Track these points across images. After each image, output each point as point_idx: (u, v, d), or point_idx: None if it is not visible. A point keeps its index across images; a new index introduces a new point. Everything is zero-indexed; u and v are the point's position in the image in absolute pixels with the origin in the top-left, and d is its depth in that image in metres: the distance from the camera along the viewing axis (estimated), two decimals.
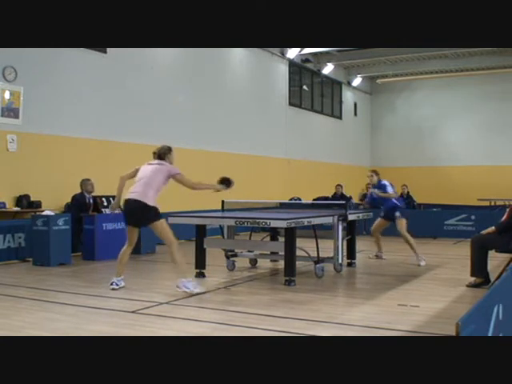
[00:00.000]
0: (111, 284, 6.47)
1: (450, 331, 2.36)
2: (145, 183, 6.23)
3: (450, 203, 16.68)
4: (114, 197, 9.76)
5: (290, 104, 17.57)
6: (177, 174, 6.40)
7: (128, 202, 6.29)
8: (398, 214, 8.95)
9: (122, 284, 6.54)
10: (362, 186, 15.46)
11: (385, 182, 9.21)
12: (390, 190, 9.09)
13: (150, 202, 6.18)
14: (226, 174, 7.03)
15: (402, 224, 8.89)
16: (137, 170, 6.50)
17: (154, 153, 6.55)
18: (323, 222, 7.54)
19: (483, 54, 18.66)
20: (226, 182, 6.81)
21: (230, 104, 14.82)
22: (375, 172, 9.43)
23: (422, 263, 8.61)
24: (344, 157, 20.42)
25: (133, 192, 6.26)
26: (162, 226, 6.30)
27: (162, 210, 8.69)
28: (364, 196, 13.81)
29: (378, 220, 9.30)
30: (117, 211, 8.53)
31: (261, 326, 4.78)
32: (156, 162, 6.45)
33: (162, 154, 6.50)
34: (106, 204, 9.54)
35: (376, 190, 9.14)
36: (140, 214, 6.24)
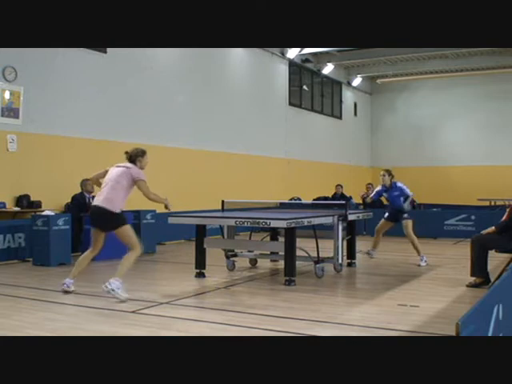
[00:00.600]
0: (63, 284, 6.24)
1: (450, 331, 2.36)
2: (110, 187, 6.08)
3: (450, 203, 16.68)
4: None
5: (290, 104, 17.57)
6: (139, 179, 6.11)
7: (93, 207, 6.18)
8: (406, 215, 8.86)
9: (73, 288, 6.28)
10: (362, 186, 15.44)
11: (400, 184, 8.96)
12: (408, 192, 8.90)
13: (115, 209, 6.02)
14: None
15: (409, 225, 8.77)
16: (106, 172, 6.32)
17: (126, 152, 6.30)
18: (323, 222, 7.54)
19: (483, 54, 18.66)
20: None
21: (230, 104, 14.82)
22: (388, 172, 9.03)
23: (423, 264, 8.59)
24: (344, 157, 20.41)
25: (99, 196, 6.15)
26: (125, 233, 6.11)
27: (161, 209, 8.68)
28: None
29: (383, 221, 9.09)
30: None
31: (261, 326, 4.78)
32: (123, 164, 6.23)
33: (134, 157, 6.25)
34: None
35: (405, 205, 8.84)
36: (103, 220, 6.11)
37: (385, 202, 10.43)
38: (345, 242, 8.13)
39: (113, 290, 5.81)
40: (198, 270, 7.40)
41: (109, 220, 6.06)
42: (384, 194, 9.09)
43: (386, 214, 9.08)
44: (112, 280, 5.88)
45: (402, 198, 8.86)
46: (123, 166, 6.18)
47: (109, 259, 9.00)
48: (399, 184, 9.00)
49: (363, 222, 11.49)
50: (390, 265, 8.74)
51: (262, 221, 6.67)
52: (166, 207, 6.48)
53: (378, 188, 9.25)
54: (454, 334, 2.10)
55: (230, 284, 7.02)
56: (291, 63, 17.44)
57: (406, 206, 8.92)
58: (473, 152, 20.59)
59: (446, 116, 21.33)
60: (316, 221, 7.18)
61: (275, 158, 16.64)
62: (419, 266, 8.53)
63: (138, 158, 6.25)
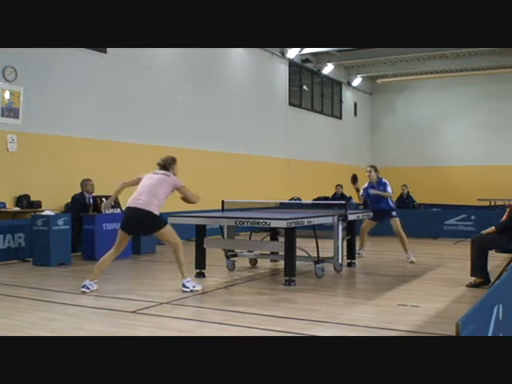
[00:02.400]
0: (82, 287, 6.30)
1: (450, 331, 2.36)
2: (150, 192, 6.23)
3: (450, 203, 16.67)
4: None
5: (290, 104, 17.57)
6: (181, 186, 6.56)
7: (132, 209, 6.25)
8: (394, 212, 8.98)
9: (95, 287, 6.39)
10: (362, 186, 15.45)
11: (385, 180, 9.13)
12: (389, 189, 9.04)
13: (155, 211, 6.21)
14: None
15: (397, 223, 8.91)
16: (139, 180, 6.52)
17: (159, 164, 6.57)
18: (323, 222, 7.54)
19: (483, 54, 18.66)
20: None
21: (230, 104, 14.82)
22: (374, 168, 9.20)
23: (414, 259, 8.73)
24: (344, 157, 20.41)
25: (137, 200, 6.23)
26: (169, 232, 6.40)
27: (161, 209, 8.66)
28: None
29: (366, 220, 9.16)
30: (108, 211, 8.55)
31: (261, 326, 4.78)
32: (161, 172, 6.48)
33: (167, 165, 6.53)
34: None
35: (373, 190, 9.00)
36: (146, 222, 6.28)
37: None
38: (345, 242, 8.13)
39: (193, 289, 6.29)
40: (198, 270, 7.40)
41: (151, 221, 6.26)
42: (370, 191, 9.08)
43: (371, 214, 9.01)
44: (184, 282, 6.35)
45: (389, 188, 9.01)
46: (162, 174, 6.46)
47: None
48: (384, 180, 9.13)
49: (363, 222, 11.47)
50: (390, 265, 8.73)
51: (262, 221, 6.67)
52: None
53: (365, 185, 9.29)
54: (454, 334, 2.10)
55: (229, 284, 7.02)
56: (291, 63, 17.44)
57: (390, 190, 9.02)
58: (473, 152, 20.59)
59: (446, 116, 21.33)
60: (316, 221, 7.18)
61: (275, 157, 16.64)
62: (412, 262, 8.61)
63: (171, 166, 6.58)
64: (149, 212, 6.15)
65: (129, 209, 6.32)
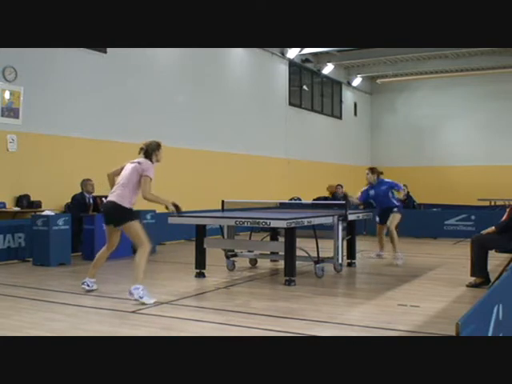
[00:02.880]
0: (83, 284, 6.34)
1: (450, 331, 2.36)
2: (122, 184, 6.07)
3: (450, 203, 16.68)
4: None
5: (290, 104, 17.57)
6: (145, 175, 6.05)
7: (105, 203, 6.33)
8: (396, 209, 8.88)
9: (95, 287, 6.39)
10: (362, 186, 15.45)
11: (388, 180, 9.05)
12: (401, 187, 9.06)
13: (125, 204, 5.98)
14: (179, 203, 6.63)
15: (395, 219, 8.82)
16: (122, 168, 6.29)
17: (141, 148, 6.22)
18: (323, 222, 7.54)
19: (483, 54, 18.67)
20: (176, 207, 6.55)
21: (230, 104, 14.82)
22: (371, 170, 9.19)
23: (400, 262, 8.64)
24: (344, 157, 20.42)
25: (112, 192, 6.16)
26: (134, 229, 6.02)
27: (161, 209, 8.63)
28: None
29: (378, 226, 9.19)
30: None
31: (261, 326, 4.78)
32: (137, 160, 6.17)
33: (150, 150, 6.18)
34: None
35: (398, 195, 8.98)
36: (112, 213, 6.09)
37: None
38: (345, 242, 8.12)
39: (139, 299, 5.67)
40: (197, 270, 7.40)
41: (117, 213, 6.01)
42: (370, 192, 9.02)
43: (377, 219, 9.12)
44: (132, 289, 5.74)
45: (390, 193, 8.90)
46: (136, 162, 6.12)
47: (109, 259, 9.01)
48: (388, 180, 9.07)
49: (363, 222, 11.48)
50: (390, 265, 8.73)
51: (262, 221, 6.67)
52: (167, 208, 6.43)
53: (364, 188, 9.24)
54: (454, 334, 2.10)
55: (230, 284, 7.02)
56: (291, 63, 17.44)
57: (402, 188, 9.04)
58: (473, 152, 20.59)
59: (446, 116, 21.33)
60: (316, 221, 7.19)
61: (275, 157, 16.64)
62: (397, 265, 8.55)
63: (155, 152, 6.21)
64: (115, 203, 5.97)
65: (104, 202, 6.44)
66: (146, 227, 10.05)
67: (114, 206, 6.01)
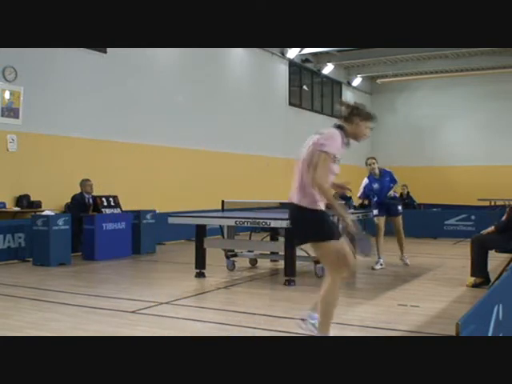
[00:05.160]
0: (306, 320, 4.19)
1: (450, 331, 2.36)
2: (300, 169, 4.15)
3: (450, 203, 16.68)
4: (113, 196, 9.80)
5: (290, 104, 17.57)
6: (320, 150, 3.95)
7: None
8: (400, 207, 8.48)
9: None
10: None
11: (388, 169, 8.57)
12: (396, 178, 8.56)
13: (311, 203, 3.95)
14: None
15: (400, 220, 8.51)
16: None
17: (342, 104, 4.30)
18: None
19: (483, 54, 18.67)
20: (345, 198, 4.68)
21: (230, 104, 14.82)
22: (376, 159, 8.49)
23: (408, 261, 8.56)
24: (344, 157, 20.34)
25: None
26: (326, 250, 3.92)
27: (161, 209, 8.59)
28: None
29: (379, 220, 8.37)
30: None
31: (261, 326, 4.78)
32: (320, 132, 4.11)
33: (349, 115, 4.13)
34: (105, 204, 9.53)
35: (392, 192, 8.46)
36: (294, 223, 4.14)
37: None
38: None
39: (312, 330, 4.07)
40: (197, 270, 7.40)
41: (301, 222, 3.98)
42: (374, 186, 8.39)
43: (376, 211, 8.37)
44: (308, 316, 4.15)
45: (391, 185, 8.45)
46: (316, 134, 4.18)
47: (109, 259, 9.02)
48: (388, 169, 8.59)
49: (363, 222, 11.46)
50: (390, 265, 8.72)
51: (261, 221, 6.68)
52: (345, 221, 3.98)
53: (365, 182, 8.58)
54: (454, 334, 2.10)
55: (230, 284, 7.02)
56: (291, 63, 17.44)
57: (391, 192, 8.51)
58: (473, 152, 20.59)
59: (446, 116, 21.33)
60: None
61: (275, 157, 16.63)
62: (407, 264, 8.49)
63: (354, 119, 4.12)
64: (297, 206, 3.96)
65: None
66: (146, 227, 10.18)
67: (296, 209, 4.01)
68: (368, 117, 4.19)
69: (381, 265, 8.35)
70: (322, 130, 4.10)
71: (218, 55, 14.20)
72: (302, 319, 4.09)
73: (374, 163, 8.40)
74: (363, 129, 4.21)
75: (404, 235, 8.63)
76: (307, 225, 3.94)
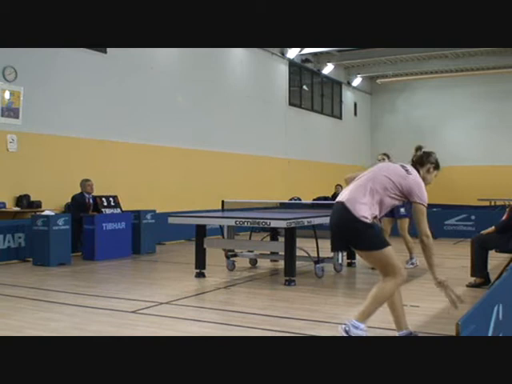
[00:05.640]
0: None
1: (450, 331, 2.36)
2: (359, 183, 4.12)
3: (450, 203, 16.67)
4: (113, 196, 9.79)
5: (290, 104, 17.57)
6: (419, 202, 4.09)
7: (335, 206, 4.18)
8: (402, 209, 8.16)
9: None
10: None
11: None
12: None
13: (361, 214, 3.92)
14: None
15: (404, 223, 8.35)
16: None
17: (418, 150, 4.65)
18: (323, 222, 7.53)
19: (483, 54, 18.68)
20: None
21: (230, 104, 14.83)
22: (387, 155, 8.09)
23: (411, 266, 8.21)
24: (344, 157, 20.41)
25: (342, 193, 4.19)
26: (380, 257, 4.11)
27: (161, 209, 8.58)
28: None
29: (384, 221, 8.12)
30: None
31: (261, 326, 4.78)
32: (401, 164, 4.45)
33: (422, 159, 4.48)
34: (105, 204, 9.53)
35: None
36: (343, 227, 4.07)
37: None
38: None
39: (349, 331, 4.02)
40: (197, 270, 7.40)
41: (351, 229, 3.97)
42: None
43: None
44: (351, 324, 4.04)
45: None
46: (401, 166, 4.32)
47: (109, 259, 9.03)
48: None
49: None
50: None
51: (261, 221, 6.67)
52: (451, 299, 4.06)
53: None
54: (454, 334, 2.10)
55: (230, 284, 7.02)
56: (291, 63, 17.45)
57: None
58: (473, 152, 20.59)
59: (446, 116, 21.34)
60: (316, 221, 7.18)
61: (275, 157, 16.64)
62: (416, 266, 8.32)
63: (428, 166, 4.47)
64: (348, 211, 3.93)
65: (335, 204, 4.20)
66: (146, 227, 10.19)
67: (346, 213, 3.96)
68: (439, 166, 4.57)
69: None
70: (405, 166, 4.32)
71: (217, 55, 14.20)
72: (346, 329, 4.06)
73: (382, 159, 8.15)
74: (433, 176, 4.51)
75: (409, 238, 8.38)
76: (357, 233, 4.01)
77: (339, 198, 4.10)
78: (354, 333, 4.01)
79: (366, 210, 3.93)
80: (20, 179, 9.67)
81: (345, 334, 4.00)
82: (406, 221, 8.42)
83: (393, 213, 8.27)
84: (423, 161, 4.42)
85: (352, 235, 4.01)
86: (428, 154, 4.47)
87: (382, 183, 4.04)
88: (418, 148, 4.61)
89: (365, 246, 4.02)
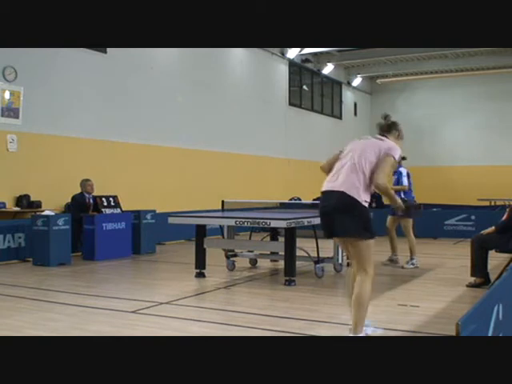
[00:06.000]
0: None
1: (450, 331, 2.36)
2: (350, 166, 4.15)
3: (450, 203, 16.67)
4: (113, 196, 9.79)
5: (290, 104, 17.57)
6: (389, 154, 4.13)
7: (326, 195, 4.24)
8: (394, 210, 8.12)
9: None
10: None
11: (402, 169, 8.30)
12: (405, 181, 8.25)
13: (361, 198, 4.04)
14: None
15: (407, 223, 8.34)
16: (339, 154, 4.38)
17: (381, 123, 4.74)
18: None
19: (483, 54, 18.68)
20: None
21: (230, 104, 14.83)
22: None
23: (411, 267, 8.24)
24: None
25: (329, 181, 4.25)
26: (364, 246, 4.12)
27: (161, 209, 8.57)
28: None
29: (389, 217, 8.51)
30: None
31: (261, 326, 4.78)
32: (374, 136, 4.51)
33: (388, 127, 4.60)
34: (105, 204, 9.53)
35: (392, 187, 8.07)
36: (344, 212, 4.07)
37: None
38: None
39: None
40: (197, 270, 7.40)
41: (353, 214, 4.01)
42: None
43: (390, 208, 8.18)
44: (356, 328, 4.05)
45: (404, 179, 8.24)
46: (376, 138, 4.43)
47: (109, 259, 9.03)
48: (401, 169, 8.29)
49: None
50: (390, 265, 8.72)
51: (261, 221, 6.67)
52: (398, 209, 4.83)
53: (404, 169, 8.44)
54: (454, 334, 2.10)
55: (230, 284, 7.02)
56: (291, 63, 17.44)
57: (405, 182, 8.20)
58: (473, 152, 20.59)
59: (446, 116, 21.34)
60: (316, 221, 7.17)
61: (275, 157, 16.64)
62: (417, 267, 8.29)
63: (395, 133, 4.61)
64: (349, 196, 4.02)
65: (324, 193, 4.28)
66: (146, 227, 10.19)
67: (346, 199, 4.03)
68: (403, 137, 4.75)
69: (391, 261, 8.57)
70: (378, 137, 4.48)
71: (217, 55, 14.20)
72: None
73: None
74: (400, 144, 4.59)
75: (413, 238, 8.35)
76: (360, 219, 4.04)
77: (333, 186, 4.13)
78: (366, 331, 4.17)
79: (364, 195, 4.03)
80: (20, 179, 9.67)
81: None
82: (410, 221, 8.46)
83: (394, 211, 8.30)
84: (391, 129, 4.59)
85: (351, 219, 4.01)
86: (394, 123, 4.68)
87: (370, 160, 4.13)
88: (385, 116, 4.75)
89: (358, 232, 4.03)
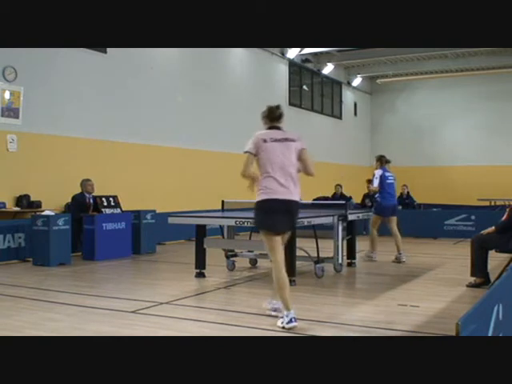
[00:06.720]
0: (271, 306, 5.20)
1: (450, 331, 2.36)
2: (294, 177, 4.92)
3: (450, 203, 16.68)
4: (113, 196, 9.81)
5: (290, 104, 17.57)
6: (304, 148, 4.77)
7: (285, 203, 4.90)
8: (373, 209, 9.09)
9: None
10: (362, 186, 15.49)
11: (377, 171, 8.89)
12: (375, 182, 8.85)
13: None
14: None
15: (392, 221, 8.93)
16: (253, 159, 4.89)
17: (267, 117, 5.09)
18: (323, 222, 7.53)
19: (483, 54, 18.68)
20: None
21: (229, 104, 14.82)
22: (382, 158, 9.02)
23: (405, 259, 8.80)
24: (344, 157, 20.41)
25: (284, 192, 4.89)
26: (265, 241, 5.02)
27: (161, 209, 8.57)
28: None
29: (374, 217, 9.10)
30: None
31: (261, 326, 4.78)
32: (281, 135, 4.91)
33: (282, 116, 5.05)
34: (105, 204, 9.53)
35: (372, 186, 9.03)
36: (295, 215, 5.02)
37: None
38: (345, 242, 8.12)
39: (275, 312, 4.94)
40: (197, 270, 7.40)
41: (297, 211, 4.89)
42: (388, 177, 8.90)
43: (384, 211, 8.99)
44: (268, 303, 5.08)
45: (375, 181, 8.85)
46: (290, 140, 4.83)
47: (109, 259, 9.03)
48: (376, 171, 8.91)
49: (363, 222, 11.48)
50: (390, 265, 8.73)
51: None
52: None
53: (379, 171, 8.95)
54: (454, 334, 2.10)
55: (230, 284, 7.02)
56: (291, 63, 17.44)
57: (375, 183, 8.78)
58: (473, 152, 20.59)
59: (446, 116, 21.34)
60: (316, 221, 7.18)
61: None
62: (404, 262, 8.75)
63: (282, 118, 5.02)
64: (298, 203, 4.93)
65: (281, 201, 4.89)
66: (146, 227, 10.19)
67: (297, 205, 4.83)
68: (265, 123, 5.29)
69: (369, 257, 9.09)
70: (289, 132, 5.11)
71: (217, 55, 14.19)
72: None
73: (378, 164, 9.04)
74: None
75: (399, 235, 8.94)
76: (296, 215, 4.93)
77: (287, 196, 4.82)
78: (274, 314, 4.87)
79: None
80: (20, 179, 9.66)
81: (273, 313, 4.92)
82: (394, 219, 9.02)
83: (394, 210, 8.88)
84: (282, 119, 5.20)
85: (296, 217, 4.92)
86: (282, 112, 5.22)
87: (295, 162, 4.86)
88: (279, 107, 5.24)
89: (294, 224, 4.99)
